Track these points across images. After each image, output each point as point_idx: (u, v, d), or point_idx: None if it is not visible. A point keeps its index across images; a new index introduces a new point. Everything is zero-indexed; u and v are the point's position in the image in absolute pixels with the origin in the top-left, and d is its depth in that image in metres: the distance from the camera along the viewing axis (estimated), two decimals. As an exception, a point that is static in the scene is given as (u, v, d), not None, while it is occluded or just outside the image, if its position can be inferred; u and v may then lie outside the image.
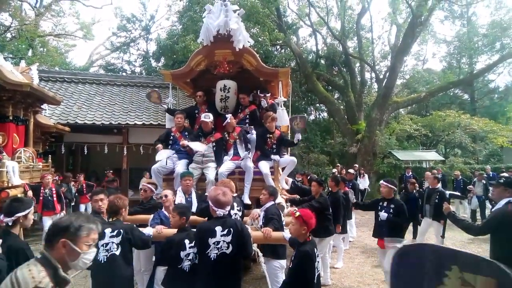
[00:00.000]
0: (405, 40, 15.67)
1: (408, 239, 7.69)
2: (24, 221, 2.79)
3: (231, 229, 2.83)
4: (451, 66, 24.76)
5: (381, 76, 18.54)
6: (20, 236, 3.06)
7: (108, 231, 3.08)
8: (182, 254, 3.08)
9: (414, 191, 7.77)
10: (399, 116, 21.47)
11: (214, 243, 2.79)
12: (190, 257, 3.11)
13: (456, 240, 7.96)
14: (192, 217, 3.55)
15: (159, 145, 5.33)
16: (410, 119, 18.94)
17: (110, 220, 3.26)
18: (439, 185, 7.07)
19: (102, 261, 3.01)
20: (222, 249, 2.79)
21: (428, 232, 7.29)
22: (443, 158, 18.20)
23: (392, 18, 18.96)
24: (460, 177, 11.25)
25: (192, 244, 3.09)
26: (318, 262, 2.85)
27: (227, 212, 2.94)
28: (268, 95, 5.78)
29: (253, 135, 5.41)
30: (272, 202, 3.93)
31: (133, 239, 3.16)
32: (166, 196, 3.90)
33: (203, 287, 2.84)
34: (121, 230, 3.10)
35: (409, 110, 23.87)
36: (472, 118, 17.54)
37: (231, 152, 5.17)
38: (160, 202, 4.12)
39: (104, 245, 3.04)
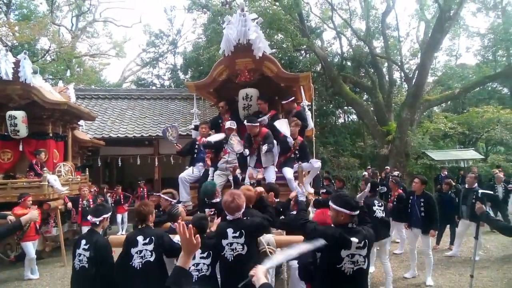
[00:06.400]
0: (434, 35, 15.11)
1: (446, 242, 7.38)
2: (105, 222, 3.41)
3: (243, 231, 2.91)
4: (486, 60, 23.44)
5: (411, 75, 17.96)
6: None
7: (140, 238, 3.12)
8: (191, 263, 3.04)
9: (450, 191, 7.42)
10: (433, 115, 20.60)
11: (227, 245, 2.90)
12: (198, 267, 2.98)
13: (499, 242, 7.49)
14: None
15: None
16: (445, 117, 18.12)
17: (140, 227, 3.32)
18: (476, 185, 6.73)
19: (138, 268, 3.05)
20: (238, 251, 2.88)
21: (467, 235, 6.96)
22: (483, 157, 17.19)
23: (420, 15, 18.41)
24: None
25: (205, 255, 3.00)
26: None
27: (238, 217, 2.99)
28: (292, 99, 5.79)
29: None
30: None
31: (164, 246, 3.18)
32: None
33: None
34: (153, 237, 3.14)
35: (444, 108, 22.85)
36: (513, 113, 16.49)
37: (254, 158, 5.21)
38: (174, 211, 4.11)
39: (138, 252, 3.08)
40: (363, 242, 2.35)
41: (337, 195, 2.69)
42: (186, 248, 1.80)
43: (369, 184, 5.19)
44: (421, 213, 5.43)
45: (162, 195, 4.51)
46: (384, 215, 5.11)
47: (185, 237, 1.76)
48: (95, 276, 3.04)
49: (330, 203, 2.52)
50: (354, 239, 2.28)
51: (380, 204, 5.15)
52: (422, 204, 5.43)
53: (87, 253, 3.08)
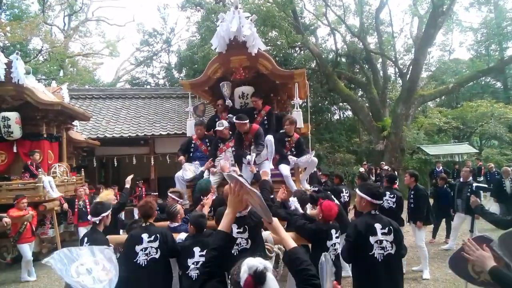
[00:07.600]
0: (427, 31, 15.18)
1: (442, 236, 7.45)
2: (106, 220, 3.50)
3: (246, 226, 2.97)
4: (479, 54, 23.63)
5: (405, 70, 18.05)
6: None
7: (145, 236, 3.16)
8: (190, 261, 3.09)
9: (445, 185, 7.48)
10: (427, 110, 20.74)
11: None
12: (199, 265, 3.01)
13: (493, 235, 7.55)
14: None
15: (181, 158, 5.39)
16: (439, 112, 18.25)
17: (144, 224, 3.35)
18: (471, 179, 6.79)
19: (143, 265, 3.09)
20: (242, 245, 2.94)
21: (462, 228, 7.01)
22: (477, 151, 17.36)
23: (413, 10, 18.46)
24: (494, 169, 10.72)
25: (204, 253, 2.94)
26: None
27: (244, 214, 2.98)
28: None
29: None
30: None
31: (167, 244, 3.21)
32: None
33: None
34: (158, 235, 3.19)
35: (438, 102, 23.03)
36: (506, 106, 16.67)
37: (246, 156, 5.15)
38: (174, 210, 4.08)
39: (143, 249, 3.12)
40: (387, 228, 2.54)
41: (363, 184, 3.06)
42: (233, 205, 1.78)
43: None
44: (410, 205, 5.74)
45: (170, 194, 4.51)
46: (394, 205, 5.26)
47: (235, 194, 1.75)
48: None
49: (356, 190, 2.81)
50: (377, 224, 2.47)
51: (391, 195, 5.31)
52: (412, 196, 5.74)
53: None
